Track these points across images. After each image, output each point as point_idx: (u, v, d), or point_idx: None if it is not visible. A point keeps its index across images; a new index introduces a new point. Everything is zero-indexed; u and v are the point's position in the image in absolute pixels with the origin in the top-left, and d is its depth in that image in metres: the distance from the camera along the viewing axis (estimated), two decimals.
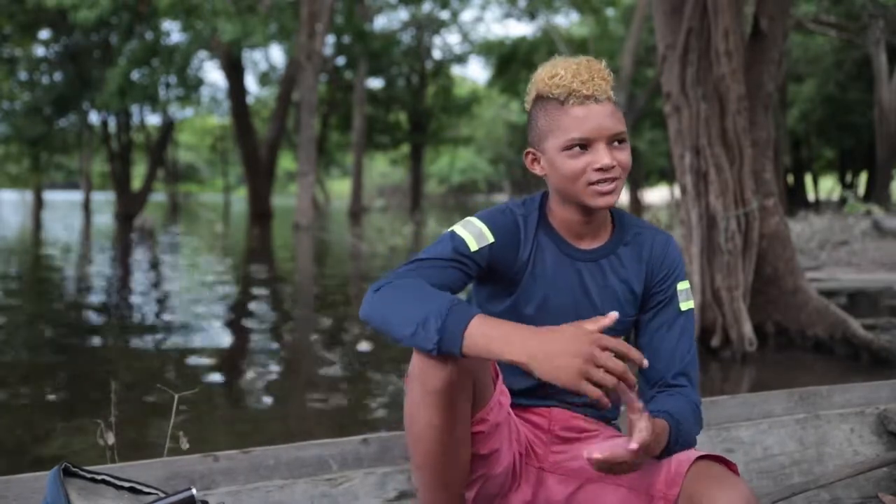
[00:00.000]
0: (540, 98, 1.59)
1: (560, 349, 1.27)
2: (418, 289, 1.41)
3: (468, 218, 1.60)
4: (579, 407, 1.69)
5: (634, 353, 1.29)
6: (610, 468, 1.37)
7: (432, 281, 1.46)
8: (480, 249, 1.55)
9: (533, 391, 1.67)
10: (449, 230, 1.57)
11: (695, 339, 1.65)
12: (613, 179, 1.53)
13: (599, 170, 1.52)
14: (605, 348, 1.26)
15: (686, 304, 1.64)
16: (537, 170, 1.63)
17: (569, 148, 1.53)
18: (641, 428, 1.35)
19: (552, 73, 1.56)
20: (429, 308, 1.35)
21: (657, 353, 1.61)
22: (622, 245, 1.65)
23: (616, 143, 1.54)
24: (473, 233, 1.56)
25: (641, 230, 1.67)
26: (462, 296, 1.50)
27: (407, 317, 1.37)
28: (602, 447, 1.35)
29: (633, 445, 1.33)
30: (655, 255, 1.65)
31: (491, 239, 1.56)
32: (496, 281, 1.62)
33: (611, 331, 1.63)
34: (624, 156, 1.55)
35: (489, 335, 1.31)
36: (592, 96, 1.52)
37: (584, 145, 1.53)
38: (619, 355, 1.27)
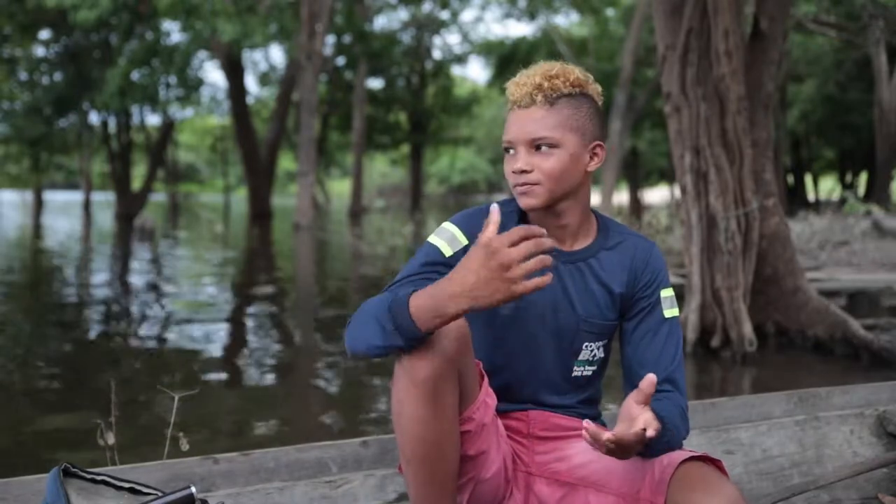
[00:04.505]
0: None
1: (479, 278, 1.29)
2: (371, 305, 1.45)
3: (443, 224, 1.65)
4: (556, 407, 1.69)
5: (534, 229, 1.30)
6: (612, 448, 1.36)
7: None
8: (455, 254, 1.57)
9: (506, 393, 1.67)
10: (427, 241, 1.62)
11: (681, 345, 1.65)
12: (529, 184, 1.57)
13: (513, 173, 1.59)
14: (511, 244, 1.28)
15: (670, 312, 1.65)
16: None
17: (505, 151, 1.62)
18: (645, 419, 1.36)
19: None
20: (379, 315, 1.39)
21: (643, 360, 1.62)
22: (604, 250, 1.66)
23: (542, 148, 1.57)
24: (446, 238, 1.60)
25: (625, 237, 1.69)
26: None
27: (372, 333, 1.41)
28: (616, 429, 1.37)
29: (638, 428, 1.34)
30: (638, 261, 1.66)
31: (465, 242, 1.59)
32: None
33: (590, 333, 1.65)
34: (545, 162, 1.56)
35: (427, 306, 1.34)
36: (518, 101, 1.59)
37: (509, 148, 1.60)
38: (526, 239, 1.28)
